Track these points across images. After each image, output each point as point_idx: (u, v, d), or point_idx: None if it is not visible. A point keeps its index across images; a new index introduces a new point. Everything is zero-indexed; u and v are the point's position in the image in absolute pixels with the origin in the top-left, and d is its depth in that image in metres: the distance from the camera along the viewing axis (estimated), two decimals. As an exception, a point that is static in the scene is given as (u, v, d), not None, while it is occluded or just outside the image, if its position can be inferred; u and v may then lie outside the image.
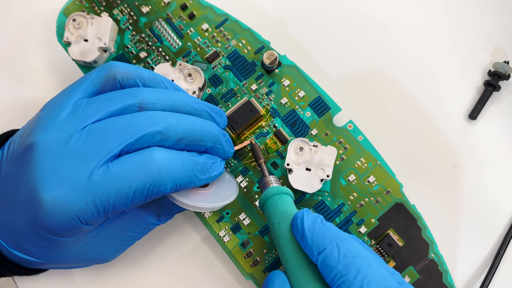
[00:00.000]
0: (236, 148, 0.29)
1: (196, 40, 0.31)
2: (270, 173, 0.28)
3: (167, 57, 0.31)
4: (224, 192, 0.27)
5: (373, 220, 0.28)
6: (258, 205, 0.28)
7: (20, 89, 0.32)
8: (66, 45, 0.30)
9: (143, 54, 0.31)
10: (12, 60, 0.33)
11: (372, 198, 0.28)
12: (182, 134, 0.23)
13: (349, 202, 0.28)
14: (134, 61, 0.31)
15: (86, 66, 0.31)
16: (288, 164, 0.28)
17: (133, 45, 0.31)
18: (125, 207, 0.22)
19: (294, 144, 0.28)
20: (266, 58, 0.30)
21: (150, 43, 0.31)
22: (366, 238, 0.28)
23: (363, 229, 0.28)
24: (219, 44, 0.31)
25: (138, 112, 0.23)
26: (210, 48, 0.31)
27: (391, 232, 0.27)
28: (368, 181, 0.28)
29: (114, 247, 0.25)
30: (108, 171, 0.21)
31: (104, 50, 0.31)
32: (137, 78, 0.24)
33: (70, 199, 0.21)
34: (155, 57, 0.31)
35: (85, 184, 0.21)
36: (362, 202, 0.28)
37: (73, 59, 0.30)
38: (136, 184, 0.21)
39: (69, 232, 0.22)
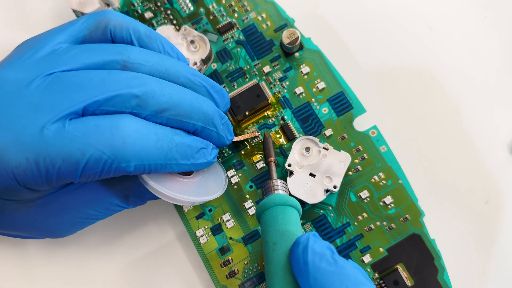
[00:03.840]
0: (238, 138, 0.24)
1: (210, 6, 0.28)
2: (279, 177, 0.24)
3: (175, 22, 0.28)
4: (209, 185, 0.23)
5: (381, 250, 0.24)
6: (255, 212, 0.23)
7: (14, 33, 0.30)
8: (67, -9, 0.28)
9: (148, 15, 0.28)
10: (11, 1, 0.31)
11: (385, 223, 0.24)
12: (165, 104, 0.20)
13: (356, 223, 0.25)
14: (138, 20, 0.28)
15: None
16: (289, 165, 0.24)
17: (140, 4, 0.28)
18: (74, 177, 0.19)
19: (301, 142, 0.25)
20: (286, 37, 0.26)
21: (158, 4, 0.28)
22: (369, 270, 0.24)
23: (367, 258, 0.24)
24: (236, 15, 0.28)
25: (118, 70, 0.21)
26: (224, 18, 0.28)
27: (400, 268, 0.24)
28: (384, 202, 0.25)
29: (67, 222, 0.22)
30: (62, 129, 0.19)
31: (107, 4, 0.28)
32: (132, 31, 0.22)
33: (10, 151, 0.18)
34: (161, 19, 0.28)
35: (32, 138, 0.18)
36: (372, 225, 0.24)
37: (72, 9, 0.27)
38: (91, 153, 0.19)
39: (5, 192, 0.19)
